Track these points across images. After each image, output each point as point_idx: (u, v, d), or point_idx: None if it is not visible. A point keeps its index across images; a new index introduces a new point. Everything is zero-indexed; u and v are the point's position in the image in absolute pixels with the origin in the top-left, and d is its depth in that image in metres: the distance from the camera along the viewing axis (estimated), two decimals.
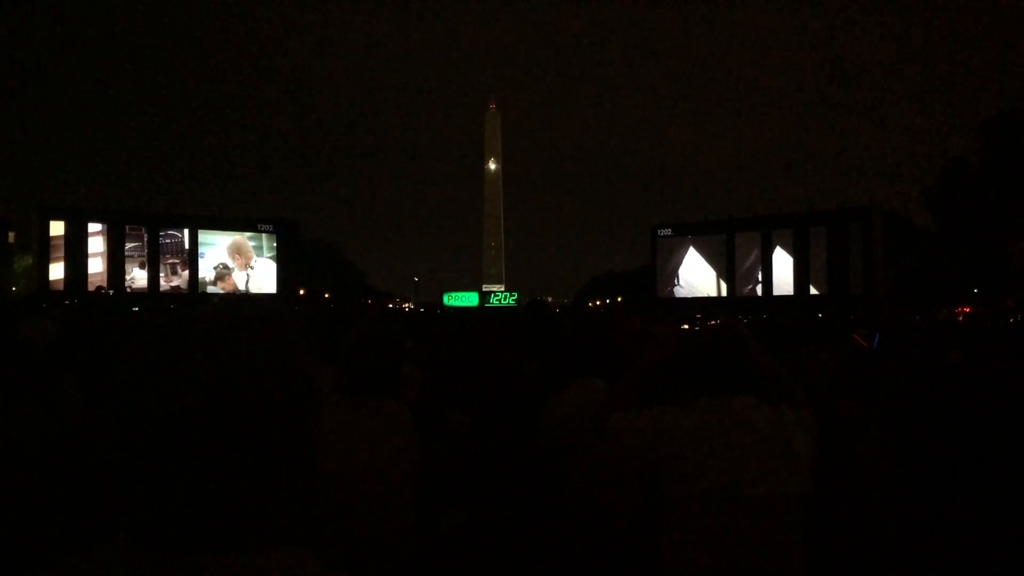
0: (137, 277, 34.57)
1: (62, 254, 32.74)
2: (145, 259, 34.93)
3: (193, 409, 0.73)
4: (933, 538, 3.05)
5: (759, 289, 38.09)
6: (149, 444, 0.73)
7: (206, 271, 36.71)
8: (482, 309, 33.56)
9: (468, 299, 41.54)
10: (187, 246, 36.25)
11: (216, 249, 37.34)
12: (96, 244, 33.70)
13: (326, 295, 54.73)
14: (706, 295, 39.13)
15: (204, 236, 36.89)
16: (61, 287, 31.58)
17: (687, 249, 40.52)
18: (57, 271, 32.59)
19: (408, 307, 56.99)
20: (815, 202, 39.12)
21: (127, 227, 34.53)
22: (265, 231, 38.99)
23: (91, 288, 29.91)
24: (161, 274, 35.29)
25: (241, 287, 37.08)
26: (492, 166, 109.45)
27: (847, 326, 8.92)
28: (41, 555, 1.71)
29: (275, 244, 38.93)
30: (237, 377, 0.75)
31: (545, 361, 4.35)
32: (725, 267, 39.08)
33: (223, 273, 37.10)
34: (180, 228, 36.35)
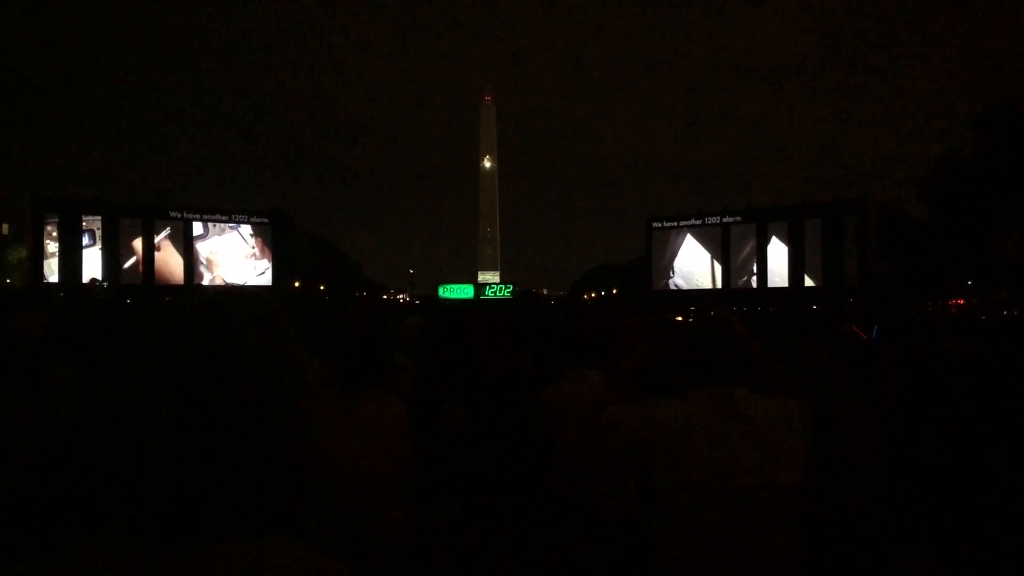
0: (130, 269, 34.52)
1: (56, 246, 32.68)
2: (139, 250, 34.88)
3: (181, 399, 0.73)
4: (925, 525, 3.07)
5: (754, 281, 38.17)
6: (139, 434, 0.73)
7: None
8: (478, 301, 33.58)
9: (463, 291, 41.53)
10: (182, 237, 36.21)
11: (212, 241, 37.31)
12: (90, 236, 33.63)
13: (321, 287, 54.67)
14: (701, 287, 39.21)
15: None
16: (55, 279, 31.54)
17: (682, 242, 40.56)
18: (51, 263, 32.54)
19: (404, 299, 57.03)
20: (810, 194, 39.12)
21: (120, 219, 34.46)
22: (261, 223, 38.94)
23: (85, 280, 29.86)
24: (155, 265, 35.26)
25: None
26: (487, 157, 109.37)
27: (843, 317, 8.93)
28: (34, 545, 1.71)
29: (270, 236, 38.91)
30: (225, 368, 0.75)
31: (538, 352, 4.36)
32: (720, 259, 39.14)
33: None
34: (175, 220, 36.27)
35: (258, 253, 38.85)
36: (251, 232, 38.65)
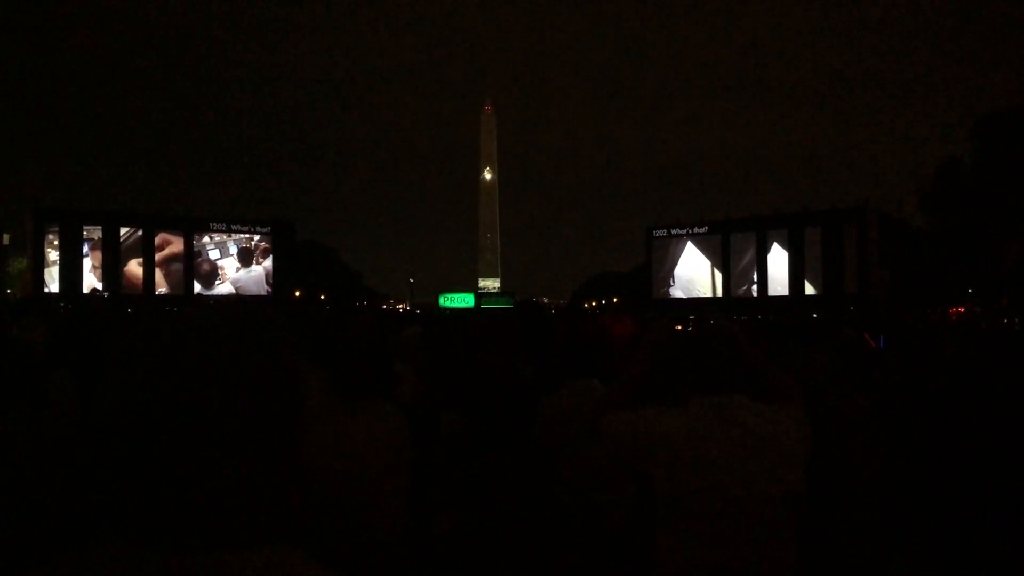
0: (132, 279, 34.54)
1: (57, 256, 32.72)
2: (140, 261, 34.91)
3: (183, 408, 0.73)
4: (926, 533, 3.06)
5: (755, 289, 38.19)
6: (140, 443, 0.73)
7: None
8: (478, 311, 33.60)
9: (464, 300, 41.54)
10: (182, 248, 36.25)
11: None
12: (91, 246, 33.66)
13: (322, 296, 54.68)
14: (701, 295, 39.22)
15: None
16: (55, 287, 31.56)
17: (682, 250, 40.60)
18: (52, 272, 32.56)
19: (404, 308, 57.07)
20: (810, 203, 39.13)
21: (122, 229, 34.50)
22: (262, 232, 38.99)
23: (86, 290, 29.89)
24: (156, 275, 35.29)
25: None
26: (488, 168, 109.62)
27: (846, 325, 8.95)
28: (34, 553, 1.71)
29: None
30: (226, 377, 0.75)
31: (539, 361, 4.36)
32: (720, 268, 39.17)
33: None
34: (177, 230, 36.32)
35: (259, 262, 38.89)
36: (252, 241, 38.70)
